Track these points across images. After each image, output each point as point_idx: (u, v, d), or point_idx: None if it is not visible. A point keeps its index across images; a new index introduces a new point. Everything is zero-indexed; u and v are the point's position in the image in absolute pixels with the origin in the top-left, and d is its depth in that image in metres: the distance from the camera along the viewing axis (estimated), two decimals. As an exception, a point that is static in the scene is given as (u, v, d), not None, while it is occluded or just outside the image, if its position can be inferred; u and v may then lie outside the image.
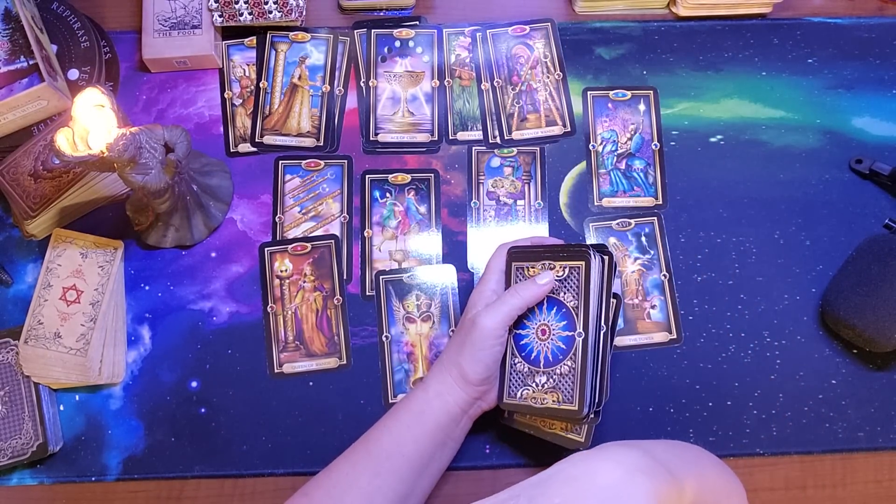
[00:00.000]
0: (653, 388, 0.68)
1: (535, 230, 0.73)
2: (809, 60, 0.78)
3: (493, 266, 0.63)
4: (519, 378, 0.60)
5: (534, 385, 0.59)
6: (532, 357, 0.60)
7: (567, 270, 0.60)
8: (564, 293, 0.59)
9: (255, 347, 0.69)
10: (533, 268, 0.61)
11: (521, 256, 0.62)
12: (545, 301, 0.60)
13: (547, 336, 0.60)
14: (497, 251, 0.64)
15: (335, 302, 0.70)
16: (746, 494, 0.54)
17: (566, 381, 0.58)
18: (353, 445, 0.60)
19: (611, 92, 0.77)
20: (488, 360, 0.58)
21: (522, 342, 0.61)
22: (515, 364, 0.61)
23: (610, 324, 0.59)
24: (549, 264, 0.60)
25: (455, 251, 0.72)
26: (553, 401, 0.58)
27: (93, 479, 0.66)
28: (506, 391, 0.61)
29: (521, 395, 0.60)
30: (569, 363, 0.58)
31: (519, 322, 0.61)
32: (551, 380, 0.58)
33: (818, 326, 0.69)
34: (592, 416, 0.58)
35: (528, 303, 0.59)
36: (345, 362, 0.69)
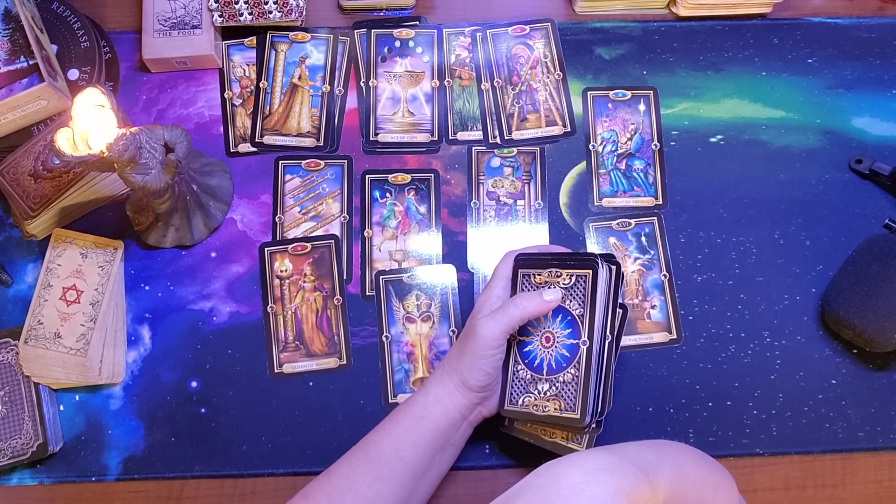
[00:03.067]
0: (653, 388, 0.68)
1: (535, 230, 0.73)
2: (809, 60, 0.78)
3: (500, 272, 0.63)
4: (521, 385, 0.60)
5: (536, 392, 0.59)
6: (535, 364, 0.60)
7: (574, 279, 0.59)
8: (570, 301, 0.59)
9: (255, 347, 0.69)
10: (539, 275, 0.61)
11: (527, 263, 0.62)
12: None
13: (551, 343, 0.59)
14: (504, 257, 0.64)
15: (335, 302, 0.70)
16: (746, 493, 0.54)
17: (569, 389, 0.57)
18: (353, 448, 0.60)
19: (611, 92, 0.77)
20: (488, 367, 0.58)
21: (526, 349, 0.61)
22: (518, 371, 0.61)
23: (615, 334, 0.59)
24: (556, 272, 0.60)
25: (455, 251, 0.72)
26: (555, 409, 0.58)
27: (93, 479, 0.66)
28: (507, 398, 0.61)
29: (523, 402, 0.60)
30: (572, 371, 0.58)
31: (523, 329, 0.61)
32: (554, 387, 0.58)
33: (818, 326, 0.69)
34: (594, 425, 0.58)
35: (530, 315, 0.59)
36: (345, 362, 0.69)
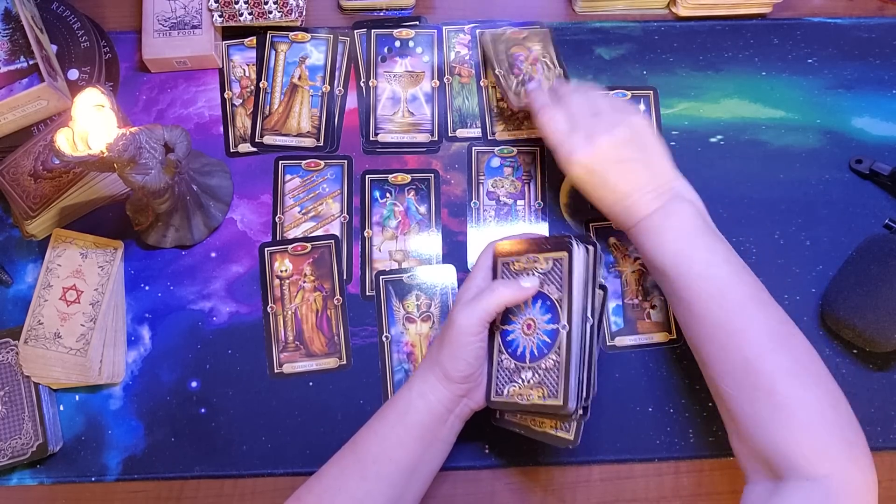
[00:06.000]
0: (653, 388, 0.68)
1: (535, 230, 0.73)
2: (809, 60, 0.78)
3: (481, 263, 0.63)
4: (506, 375, 0.59)
5: (520, 381, 0.58)
6: (518, 353, 0.59)
7: (551, 263, 0.58)
8: (548, 286, 0.58)
9: (255, 347, 0.69)
10: (518, 261, 0.60)
11: (507, 251, 0.62)
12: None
13: (532, 331, 0.58)
14: (486, 248, 0.63)
15: (335, 302, 0.70)
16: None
17: (551, 376, 0.56)
18: (342, 448, 0.59)
19: (611, 92, 0.77)
20: (468, 357, 0.57)
21: (509, 338, 0.60)
22: (503, 361, 0.60)
23: (597, 316, 0.58)
24: (534, 257, 0.59)
25: (455, 251, 0.72)
26: (538, 396, 0.56)
27: (93, 479, 0.66)
28: (493, 389, 0.60)
29: (508, 392, 0.59)
30: (553, 357, 0.56)
31: (506, 318, 0.61)
32: (536, 375, 0.57)
33: (818, 326, 0.69)
34: (581, 412, 0.56)
35: (506, 302, 0.58)
36: (345, 362, 0.69)
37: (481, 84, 0.77)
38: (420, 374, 0.60)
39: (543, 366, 0.57)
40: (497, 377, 0.60)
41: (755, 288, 0.57)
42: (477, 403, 0.61)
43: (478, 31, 0.78)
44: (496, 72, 0.73)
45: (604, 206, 0.62)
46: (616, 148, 0.60)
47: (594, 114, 0.61)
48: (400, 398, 0.59)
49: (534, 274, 0.59)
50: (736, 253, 0.59)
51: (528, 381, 0.57)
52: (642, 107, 0.76)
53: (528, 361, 0.58)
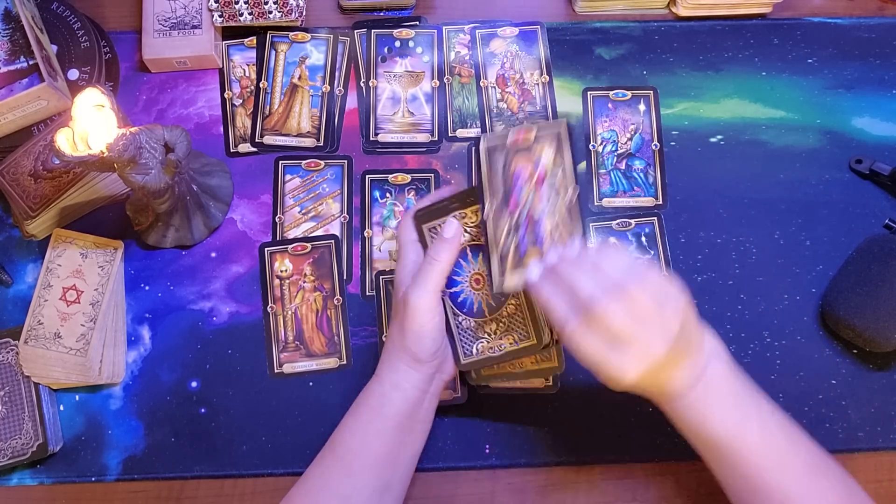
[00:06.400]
0: (653, 388, 0.68)
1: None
2: (809, 60, 0.78)
3: (405, 238, 0.60)
4: (469, 334, 0.59)
5: (486, 336, 0.58)
6: (475, 309, 0.59)
7: (480, 214, 0.57)
8: (486, 236, 0.57)
9: (255, 347, 0.69)
10: (445, 223, 0.59)
11: (429, 216, 0.60)
12: (468, 251, 0.59)
13: (482, 285, 0.58)
14: (403, 222, 0.61)
15: (335, 302, 0.70)
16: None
17: (516, 320, 0.57)
18: (322, 450, 0.59)
19: (611, 92, 0.77)
20: (433, 333, 0.57)
21: (459, 299, 0.59)
22: (460, 322, 0.59)
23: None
24: (461, 213, 0.59)
25: (455, 251, 0.72)
26: (510, 343, 0.57)
27: (93, 479, 0.66)
28: (461, 353, 0.59)
29: (477, 349, 0.58)
30: (513, 301, 0.57)
31: (449, 281, 0.60)
32: (501, 324, 0.57)
33: (818, 326, 0.69)
34: (556, 339, 0.57)
35: (449, 263, 0.57)
36: (345, 362, 0.69)
37: (481, 84, 0.77)
38: (388, 364, 0.59)
39: (506, 313, 0.57)
40: (461, 340, 0.59)
41: (810, 442, 0.55)
42: (448, 374, 0.60)
43: (479, 138, 0.59)
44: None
45: (640, 390, 0.54)
46: (673, 352, 0.50)
47: (636, 320, 0.48)
48: (371, 394, 0.59)
49: (466, 230, 0.58)
50: (769, 398, 0.56)
51: (495, 333, 0.58)
52: (642, 107, 0.76)
53: (487, 314, 0.58)
